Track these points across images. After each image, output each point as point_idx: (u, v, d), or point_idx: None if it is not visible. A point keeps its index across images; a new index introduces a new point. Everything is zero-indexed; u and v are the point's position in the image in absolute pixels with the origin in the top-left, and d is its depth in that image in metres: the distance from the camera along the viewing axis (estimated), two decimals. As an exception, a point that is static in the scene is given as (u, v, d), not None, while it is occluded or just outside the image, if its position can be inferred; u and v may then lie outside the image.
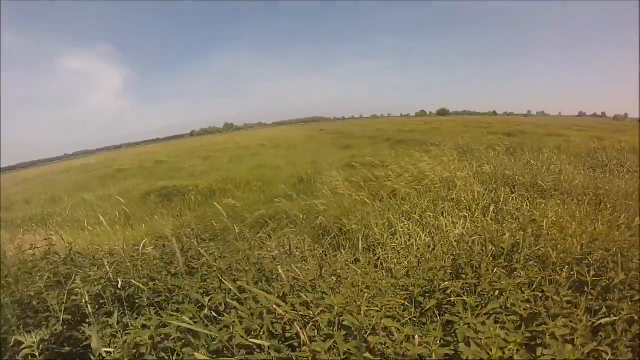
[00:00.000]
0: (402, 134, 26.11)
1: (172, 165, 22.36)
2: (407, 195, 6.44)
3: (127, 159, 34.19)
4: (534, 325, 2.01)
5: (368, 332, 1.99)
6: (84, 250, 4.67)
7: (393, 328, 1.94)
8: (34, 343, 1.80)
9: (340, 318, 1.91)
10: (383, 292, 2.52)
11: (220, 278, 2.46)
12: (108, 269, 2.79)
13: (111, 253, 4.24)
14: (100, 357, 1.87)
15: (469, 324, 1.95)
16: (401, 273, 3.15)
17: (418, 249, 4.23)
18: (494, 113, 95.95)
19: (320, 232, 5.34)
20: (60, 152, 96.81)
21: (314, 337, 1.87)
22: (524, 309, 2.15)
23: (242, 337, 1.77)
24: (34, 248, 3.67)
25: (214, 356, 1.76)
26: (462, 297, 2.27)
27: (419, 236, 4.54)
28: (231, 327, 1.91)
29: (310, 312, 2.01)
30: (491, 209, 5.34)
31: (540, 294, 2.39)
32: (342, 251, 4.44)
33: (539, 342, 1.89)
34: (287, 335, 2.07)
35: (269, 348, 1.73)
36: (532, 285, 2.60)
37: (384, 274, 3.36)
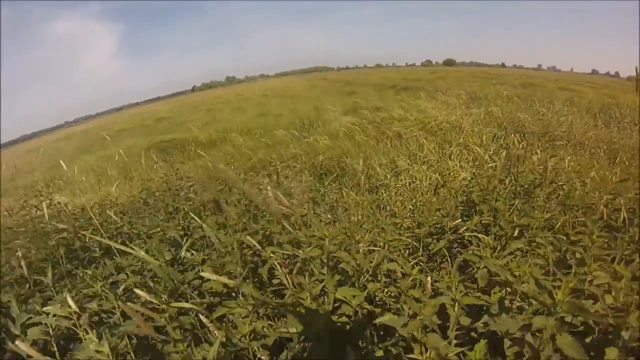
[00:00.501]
0: (408, 82, 25.12)
1: (174, 120, 21.81)
2: (413, 137, 6.01)
3: (127, 119, 33.61)
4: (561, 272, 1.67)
5: (367, 278, 1.67)
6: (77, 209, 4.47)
7: (398, 271, 1.59)
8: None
9: (333, 257, 1.56)
10: (386, 231, 2.17)
11: (193, 217, 2.11)
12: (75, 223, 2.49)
13: (101, 205, 3.98)
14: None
15: (488, 268, 1.59)
16: (406, 214, 2.81)
17: (424, 192, 3.88)
18: (503, 65, 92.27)
19: (321, 172, 5.01)
20: (61, 120, 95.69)
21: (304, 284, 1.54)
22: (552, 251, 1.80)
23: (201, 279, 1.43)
24: (28, 209, 3.34)
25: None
26: (478, 235, 1.92)
27: (425, 176, 4.17)
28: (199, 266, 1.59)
29: (301, 251, 1.66)
30: (502, 154, 4.93)
31: (565, 238, 2.04)
32: (344, 191, 4.12)
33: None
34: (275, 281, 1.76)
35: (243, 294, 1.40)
36: (553, 228, 2.26)
37: (388, 216, 3.04)
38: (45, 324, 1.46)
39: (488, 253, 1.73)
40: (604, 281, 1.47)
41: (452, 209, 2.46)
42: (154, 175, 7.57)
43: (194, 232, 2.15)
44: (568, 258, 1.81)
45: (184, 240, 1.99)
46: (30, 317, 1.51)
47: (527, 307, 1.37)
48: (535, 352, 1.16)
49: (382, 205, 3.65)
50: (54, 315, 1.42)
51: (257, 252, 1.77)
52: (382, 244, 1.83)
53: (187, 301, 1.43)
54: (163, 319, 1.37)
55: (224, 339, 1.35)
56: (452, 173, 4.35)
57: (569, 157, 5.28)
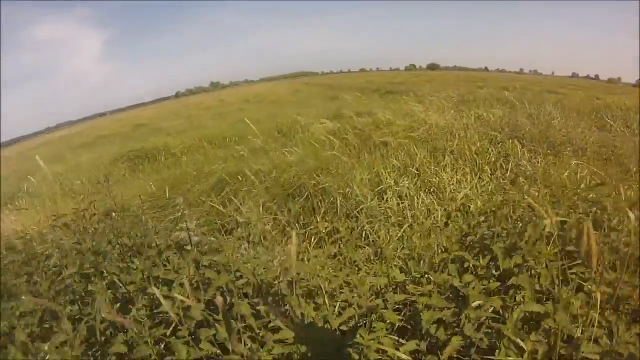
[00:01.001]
0: (392, 85, 24.56)
1: (152, 127, 20.76)
2: (400, 146, 5.25)
3: (107, 125, 32.41)
4: None
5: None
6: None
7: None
8: None
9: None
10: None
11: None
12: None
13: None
14: None
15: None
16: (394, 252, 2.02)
17: (416, 217, 3.09)
18: (486, 69, 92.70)
19: (290, 191, 4.14)
20: (42, 126, 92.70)
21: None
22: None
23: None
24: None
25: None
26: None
27: (416, 196, 3.38)
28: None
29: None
30: (507, 166, 4.22)
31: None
32: (317, 217, 3.32)
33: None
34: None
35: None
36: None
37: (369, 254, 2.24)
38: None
39: None
40: None
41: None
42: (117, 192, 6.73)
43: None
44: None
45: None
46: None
47: None
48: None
49: (363, 234, 2.88)
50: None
51: None
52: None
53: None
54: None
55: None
56: (448, 188, 3.59)
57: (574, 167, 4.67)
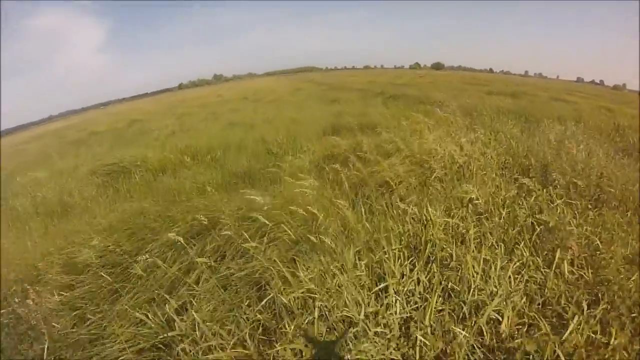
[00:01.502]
0: (396, 88, 23.34)
1: (144, 125, 19.64)
2: (406, 190, 4.17)
3: (104, 119, 31.43)
4: None
5: None
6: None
7: None
8: None
9: None
10: None
11: None
12: None
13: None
14: None
15: None
16: None
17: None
18: (491, 71, 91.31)
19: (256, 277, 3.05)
20: (44, 114, 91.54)
21: None
22: None
23: None
24: None
25: None
26: None
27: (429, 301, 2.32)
28: None
29: None
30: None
31: None
32: (288, 326, 2.27)
33: None
34: None
35: None
36: None
37: None
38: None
39: None
40: None
41: None
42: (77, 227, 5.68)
43: None
44: None
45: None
46: None
47: None
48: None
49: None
50: None
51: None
52: None
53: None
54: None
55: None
56: (471, 282, 2.53)
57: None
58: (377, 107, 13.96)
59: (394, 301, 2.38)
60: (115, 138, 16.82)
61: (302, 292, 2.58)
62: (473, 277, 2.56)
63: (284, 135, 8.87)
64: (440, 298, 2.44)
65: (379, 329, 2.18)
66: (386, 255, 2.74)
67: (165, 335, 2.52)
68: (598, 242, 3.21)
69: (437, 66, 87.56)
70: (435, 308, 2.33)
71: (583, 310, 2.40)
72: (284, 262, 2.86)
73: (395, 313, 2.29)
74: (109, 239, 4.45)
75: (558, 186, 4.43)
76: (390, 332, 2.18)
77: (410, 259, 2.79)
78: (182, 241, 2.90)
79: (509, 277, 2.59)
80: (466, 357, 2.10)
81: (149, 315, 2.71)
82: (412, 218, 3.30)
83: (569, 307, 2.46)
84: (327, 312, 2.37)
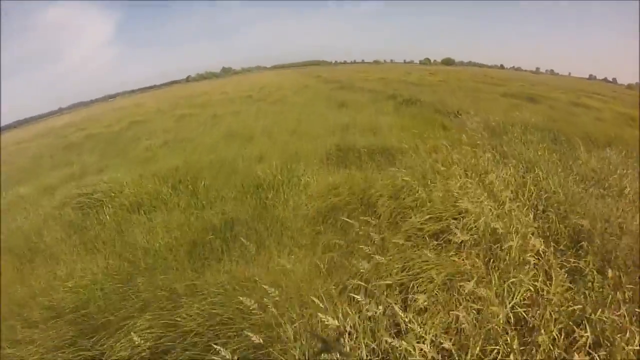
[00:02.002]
0: (408, 88, 21.74)
1: (141, 128, 18.40)
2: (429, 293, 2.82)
3: (106, 117, 30.42)
4: None
5: None
6: None
7: None
8: None
9: None
10: None
11: None
12: None
13: None
14: None
15: None
16: None
17: None
18: (502, 67, 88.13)
19: None
20: (55, 106, 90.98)
21: None
22: None
23: None
24: None
25: None
26: None
27: None
28: None
29: None
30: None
31: None
32: None
33: None
34: None
35: None
36: None
37: None
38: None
39: None
40: None
41: None
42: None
43: None
44: None
45: None
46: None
47: None
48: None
49: None
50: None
51: None
52: None
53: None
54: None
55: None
56: None
57: None
58: (388, 116, 12.48)
59: None
60: (109, 144, 15.62)
61: None
62: None
63: (280, 161, 7.44)
64: None
65: None
66: None
67: None
68: None
69: (448, 62, 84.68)
70: None
71: None
72: None
73: None
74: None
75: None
76: None
77: None
78: None
79: None
80: None
81: None
82: None
83: None
84: None
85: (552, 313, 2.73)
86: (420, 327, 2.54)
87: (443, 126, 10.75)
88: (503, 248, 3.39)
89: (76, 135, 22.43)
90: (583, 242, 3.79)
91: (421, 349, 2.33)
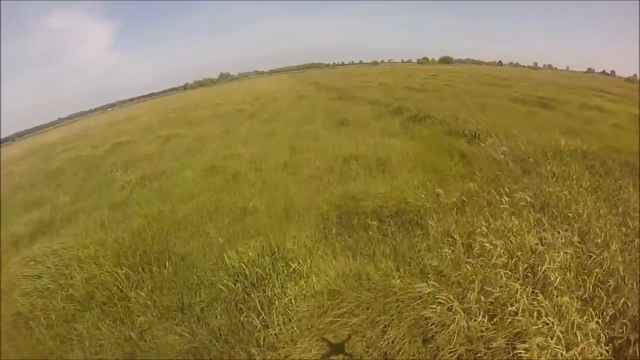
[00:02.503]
0: (412, 97, 19.78)
1: (125, 152, 16.60)
2: None
3: (96, 134, 28.96)
4: None
5: None
6: None
7: None
8: None
9: None
10: None
11: None
12: None
13: None
14: None
15: None
16: None
17: None
18: (500, 63, 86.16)
19: None
20: (54, 117, 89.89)
21: None
22: None
23: None
24: None
25: None
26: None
27: None
28: None
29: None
30: None
31: None
32: None
33: None
34: None
35: None
36: None
37: None
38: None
39: None
40: None
41: None
42: None
43: None
44: None
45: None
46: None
47: None
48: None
49: None
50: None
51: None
52: None
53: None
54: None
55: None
56: None
57: None
58: (396, 140, 10.56)
59: None
60: (88, 176, 13.77)
61: None
62: None
63: (268, 220, 5.57)
64: None
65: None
66: None
67: None
68: None
69: (446, 60, 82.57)
70: None
71: None
72: None
73: None
74: None
75: None
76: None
77: None
78: None
79: None
80: None
81: None
82: None
83: None
84: None
85: None
86: None
87: (461, 154, 8.85)
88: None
89: (62, 157, 20.67)
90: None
91: None
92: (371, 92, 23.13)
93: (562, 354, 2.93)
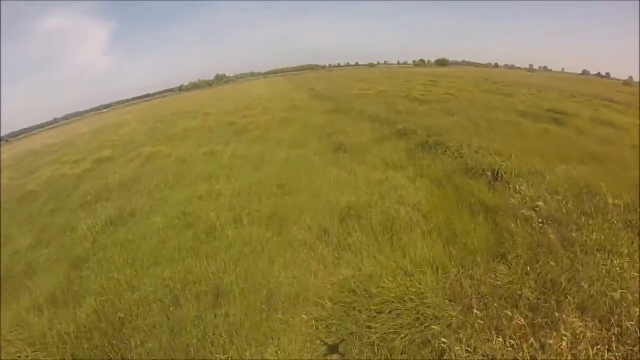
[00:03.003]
0: (415, 111, 17.98)
1: (101, 175, 14.80)
2: None
3: (82, 143, 27.47)
4: None
5: None
6: None
7: None
8: None
9: None
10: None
11: None
12: None
13: None
14: None
15: None
16: None
17: None
18: (496, 65, 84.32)
19: None
20: (49, 117, 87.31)
21: None
22: None
23: None
24: None
25: None
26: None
27: None
28: None
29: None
30: None
31: None
32: None
33: None
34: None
35: None
36: None
37: None
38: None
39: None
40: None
41: None
42: None
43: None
44: None
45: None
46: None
47: None
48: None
49: None
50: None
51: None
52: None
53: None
54: None
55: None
56: None
57: None
58: (404, 177, 8.77)
59: None
60: (53, 212, 11.91)
61: None
62: None
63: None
64: None
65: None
66: None
67: None
68: None
69: (442, 62, 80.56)
70: None
71: None
72: None
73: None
74: None
75: None
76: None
77: None
78: None
79: None
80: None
81: None
82: None
83: None
84: None
85: None
86: None
87: (485, 208, 7.08)
88: None
89: (40, 174, 18.80)
90: None
91: None
92: (370, 103, 21.26)
93: None
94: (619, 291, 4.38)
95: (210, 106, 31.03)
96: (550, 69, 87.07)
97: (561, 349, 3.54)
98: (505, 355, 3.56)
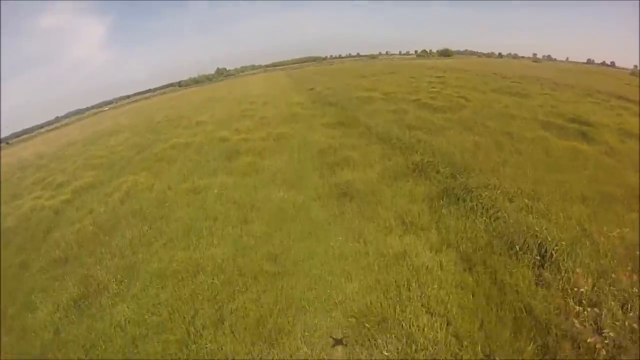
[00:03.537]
0: (429, 125, 15.87)
1: (74, 216, 13.01)
2: None
3: (71, 156, 25.33)
4: None
5: None
6: None
7: None
8: None
9: None
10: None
11: None
12: None
13: None
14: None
15: None
16: None
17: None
18: (500, 55, 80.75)
19: None
20: (51, 115, 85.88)
21: None
22: None
23: None
24: None
25: None
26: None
27: None
28: None
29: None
30: None
31: None
32: None
33: None
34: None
35: None
36: None
37: None
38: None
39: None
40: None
41: None
42: None
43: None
44: None
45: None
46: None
47: None
48: None
49: None
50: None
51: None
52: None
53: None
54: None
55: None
56: None
57: None
58: (425, 248, 6.77)
59: None
60: (24, 258, 10.24)
61: None
62: None
63: None
64: None
65: None
66: None
67: None
68: None
69: (446, 53, 77.09)
70: None
71: None
72: None
73: None
74: None
75: None
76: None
77: None
78: None
79: None
80: None
81: None
82: None
83: None
84: None
85: None
86: None
87: (533, 318, 5.10)
88: None
89: (22, 204, 16.92)
90: None
91: None
92: (377, 114, 19.04)
93: None
94: None
95: (205, 111, 28.96)
96: (555, 59, 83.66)
97: None
98: None
